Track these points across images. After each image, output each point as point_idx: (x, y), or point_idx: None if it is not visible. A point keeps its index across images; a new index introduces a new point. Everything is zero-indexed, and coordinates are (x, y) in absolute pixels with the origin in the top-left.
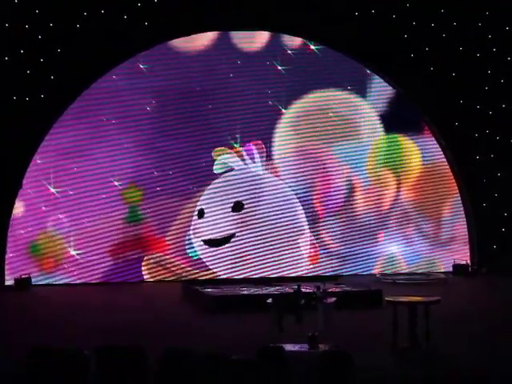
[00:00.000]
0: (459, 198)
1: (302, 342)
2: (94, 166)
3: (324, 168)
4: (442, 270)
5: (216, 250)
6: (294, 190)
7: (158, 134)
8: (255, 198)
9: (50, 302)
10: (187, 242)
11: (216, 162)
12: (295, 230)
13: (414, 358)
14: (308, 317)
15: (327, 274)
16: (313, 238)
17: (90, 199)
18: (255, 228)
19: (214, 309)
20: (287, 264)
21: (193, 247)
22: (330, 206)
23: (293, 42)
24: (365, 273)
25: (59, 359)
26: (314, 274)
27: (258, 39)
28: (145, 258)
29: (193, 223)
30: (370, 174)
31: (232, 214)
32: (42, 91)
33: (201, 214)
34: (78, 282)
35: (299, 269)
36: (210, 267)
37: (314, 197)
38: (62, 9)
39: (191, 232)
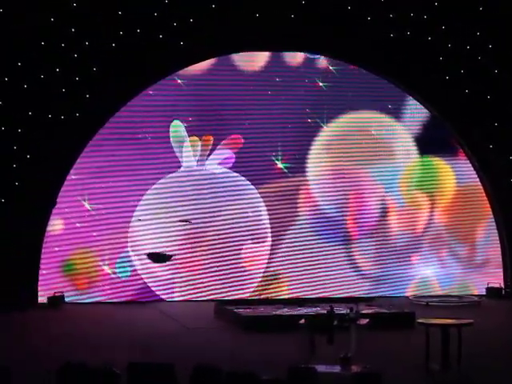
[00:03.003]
0: (493, 221)
1: (334, 363)
2: (129, 182)
3: (358, 188)
4: (476, 293)
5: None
6: (327, 210)
7: None
8: (210, 202)
9: (82, 319)
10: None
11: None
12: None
13: (445, 380)
14: (340, 338)
15: (360, 296)
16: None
17: (125, 215)
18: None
19: (247, 328)
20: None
21: (124, 264)
22: (364, 227)
23: (327, 60)
24: (398, 295)
25: (90, 376)
26: (347, 294)
27: (299, 56)
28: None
29: (130, 234)
30: (404, 196)
31: (178, 227)
32: (77, 110)
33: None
34: (111, 300)
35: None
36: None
37: (348, 217)
38: (97, 28)
39: (129, 244)
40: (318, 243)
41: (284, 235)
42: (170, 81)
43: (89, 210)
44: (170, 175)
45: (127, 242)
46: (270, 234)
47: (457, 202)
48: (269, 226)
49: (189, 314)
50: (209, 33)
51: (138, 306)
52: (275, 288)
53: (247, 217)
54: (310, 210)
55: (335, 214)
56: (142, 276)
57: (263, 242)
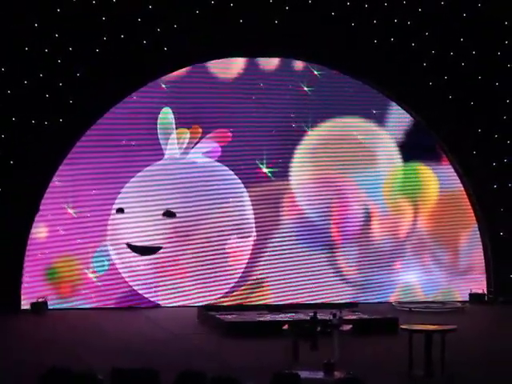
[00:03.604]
0: (476, 227)
1: (317, 368)
2: (113, 188)
3: (342, 195)
4: (459, 299)
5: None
6: (311, 215)
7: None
8: (191, 194)
9: (65, 325)
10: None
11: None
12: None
13: None
14: (323, 344)
15: (344, 302)
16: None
17: (107, 222)
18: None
19: (230, 334)
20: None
21: (101, 258)
22: (347, 234)
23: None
24: (381, 301)
25: (73, 382)
26: (331, 300)
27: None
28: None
29: (111, 224)
30: (387, 202)
31: (162, 219)
32: (60, 115)
33: (120, 211)
34: (94, 306)
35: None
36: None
37: (331, 223)
38: (81, 33)
39: (109, 236)
40: (301, 249)
41: (268, 240)
42: (154, 86)
43: (73, 216)
44: (152, 166)
45: (106, 234)
46: (253, 240)
47: (440, 208)
48: (254, 231)
49: (172, 319)
50: (192, 39)
51: (121, 311)
52: (259, 293)
53: (231, 216)
54: (293, 216)
55: (319, 220)
56: (123, 274)
57: (246, 248)
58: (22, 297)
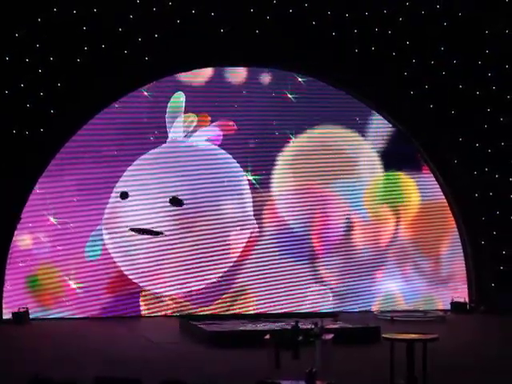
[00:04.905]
0: (458, 236)
1: (299, 378)
2: (94, 197)
3: (323, 204)
4: (441, 308)
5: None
6: (292, 225)
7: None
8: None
9: (47, 335)
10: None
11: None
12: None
13: None
14: (305, 353)
15: (325, 311)
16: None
17: (89, 231)
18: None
19: (212, 344)
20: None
21: (95, 244)
22: (329, 243)
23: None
24: (363, 310)
25: None
26: (313, 310)
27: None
28: (142, 293)
29: (109, 210)
30: (368, 211)
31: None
32: (41, 125)
33: (124, 195)
34: (76, 315)
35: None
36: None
37: (313, 233)
38: (62, 43)
39: (105, 220)
40: (283, 258)
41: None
42: (135, 96)
43: (54, 225)
44: (153, 150)
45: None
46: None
47: (421, 217)
48: (254, 222)
49: (154, 328)
50: (173, 48)
51: (103, 321)
52: (241, 303)
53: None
54: (275, 225)
55: (300, 229)
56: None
57: (237, 246)
58: (4, 306)
